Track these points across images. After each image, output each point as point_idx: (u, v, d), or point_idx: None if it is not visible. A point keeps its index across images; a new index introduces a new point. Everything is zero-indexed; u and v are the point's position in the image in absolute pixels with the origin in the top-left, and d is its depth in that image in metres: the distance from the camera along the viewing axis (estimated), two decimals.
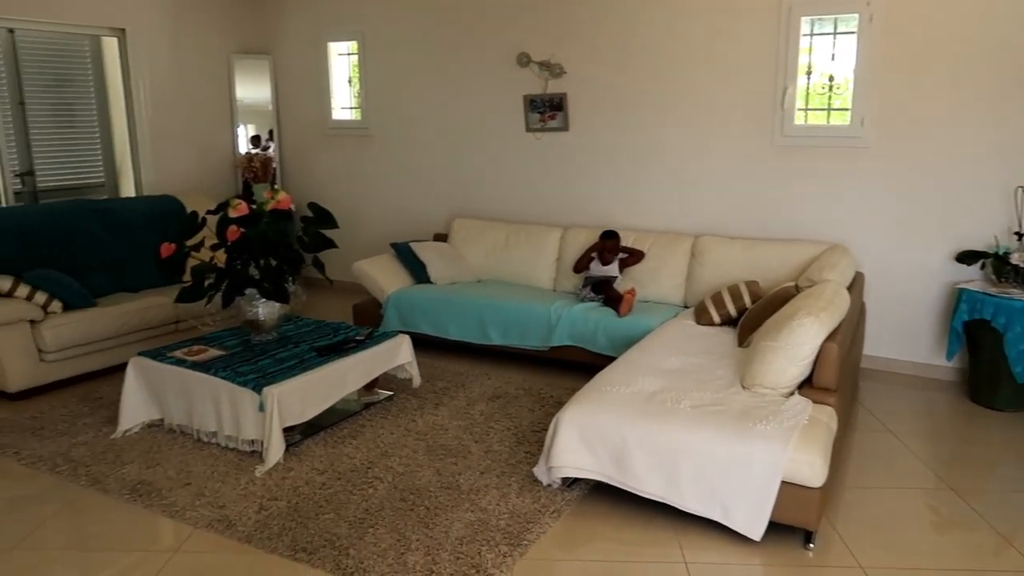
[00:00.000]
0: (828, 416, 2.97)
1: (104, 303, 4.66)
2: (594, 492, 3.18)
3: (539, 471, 3.22)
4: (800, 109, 4.72)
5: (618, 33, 5.16)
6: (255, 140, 6.82)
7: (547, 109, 5.50)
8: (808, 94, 4.70)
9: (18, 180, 5.46)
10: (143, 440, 3.68)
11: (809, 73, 4.67)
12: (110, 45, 5.90)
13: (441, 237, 5.86)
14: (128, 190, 6.13)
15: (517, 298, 4.79)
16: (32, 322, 4.23)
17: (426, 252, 5.29)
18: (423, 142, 6.19)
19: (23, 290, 4.31)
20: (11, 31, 5.32)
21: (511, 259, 5.34)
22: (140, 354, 3.79)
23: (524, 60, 5.50)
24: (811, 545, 2.81)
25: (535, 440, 3.66)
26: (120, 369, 4.66)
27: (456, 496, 3.13)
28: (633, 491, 2.94)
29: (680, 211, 5.17)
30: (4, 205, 5.29)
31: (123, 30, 5.84)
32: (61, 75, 5.68)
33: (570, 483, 3.22)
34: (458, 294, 4.91)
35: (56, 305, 4.38)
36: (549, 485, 3.20)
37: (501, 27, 5.60)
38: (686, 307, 4.71)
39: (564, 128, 5.48)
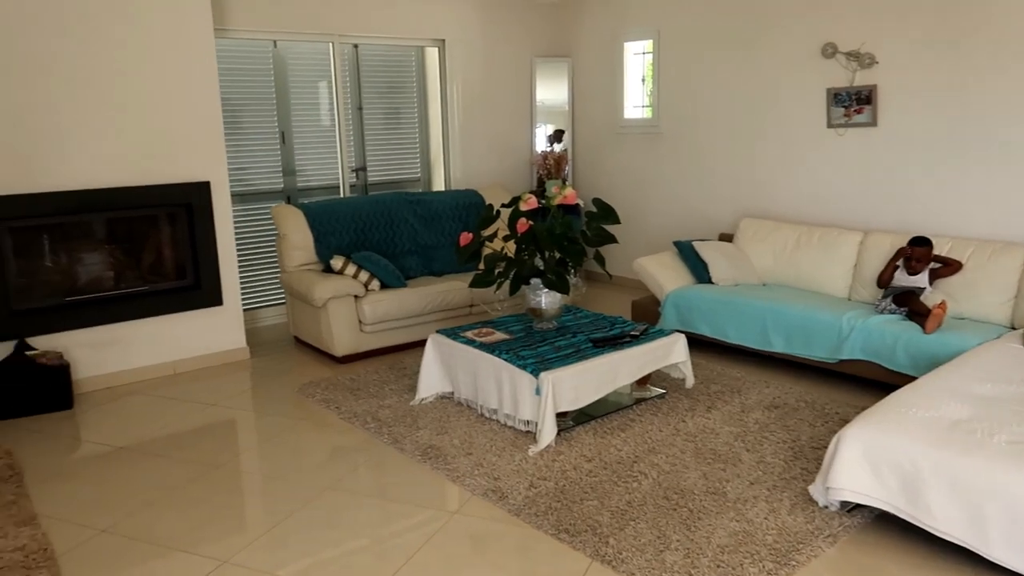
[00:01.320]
0: None
1: (413, 284, 5.24)
2: (878, 522, 2.89)
3: (815, 490, 3.00)
4: None
5: (945, 14, 4.58)
6: (559, 135, 7.18)
7: (853, 103, 5.07)
8: None
9: (353, 175, 6.34)
10: (435, 409, 4.09)
11: None
12: (432, 55, 6.59)
13: (726, 237, 5.69)
14: (439, 184, 6.81)
15: (805, 304, 4.49)
16: (356, 297, 4.89)
17: (709, 251, 5.18)
18: (714, 139, 6.05)
19: (351, 269, 5.01)
20: (356, 46, 6.18)
21: (801, 263, 5.02)
22: (438, 332, 4.20)
23: (829, 51, 5.12)
24: None
25: (813, 457, 3.42)
26: (421, 344, 5.21)
27: (721, 503, 3.04)
28: (925, 528, 2.62)
29: (1009, 217, 4.46)
30: (342, 196, 6.18)
31: (443, 40, 6.48)
32: (391, 83, 6.47)
33: (850, 508, 2.96)
34: (740, 296, 4.73)
35: (375, 283, 5.02)
36: (825, 507, 2.97)
37: (804, 17, 5.27)
38: (1013, 328, 4.06)
39: (871, 123, 5.00)
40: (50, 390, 4.17)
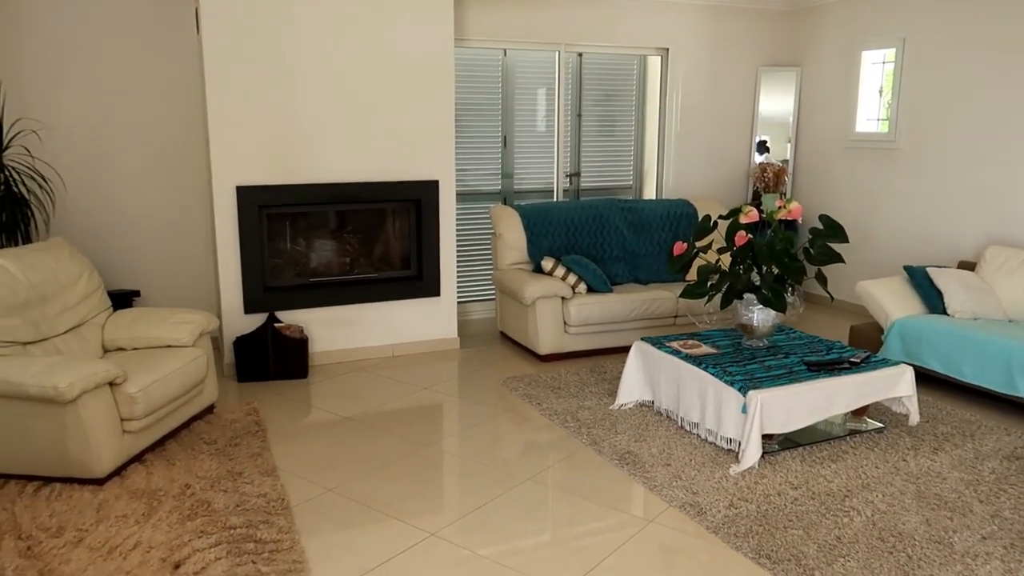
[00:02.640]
0: None
1: (619, 290, 5.27)
2: None
3: None
4: None
5: None
6: (762, 145, 6.91)
7: None
8: None
9: (567, 179, 6.49)
10: (634, 415, 4.09)
11: None
12: (653, 63, 6.59)
13: (967, 265, 5.16)
14: (650, 192, 6.79)
15: None
16: (563, 298, 5.01)
17: (945, 280, 4.73)
18: (959, 157, 5.51)
19: (560, 271, 5.14)
20: (580, 55, 6.33)
21: None
22: (643, 339, 4.20)
23: None
24: None
25: None
26: (622, 350, 5.25)
27: (947, 554, 2.78)
28: None
29: None
30: (555, 200, 6.35)
31: (667, 49, 6.46)
32: (610, 91, 6.55)
33: None
34: (981, 331, 4.28)
35: (582, 287, 5.11)
36: None
37: None
38: None
39: None
40: (291, 359, 4.69)
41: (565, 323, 5.03)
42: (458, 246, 6.01)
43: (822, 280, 4.01)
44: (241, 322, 4.78)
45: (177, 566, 2.68)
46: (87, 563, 2.70)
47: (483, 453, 3.68)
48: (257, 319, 4.82)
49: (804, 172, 6.89)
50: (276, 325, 4.72)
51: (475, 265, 6.25)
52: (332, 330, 5.03)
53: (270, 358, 4.66)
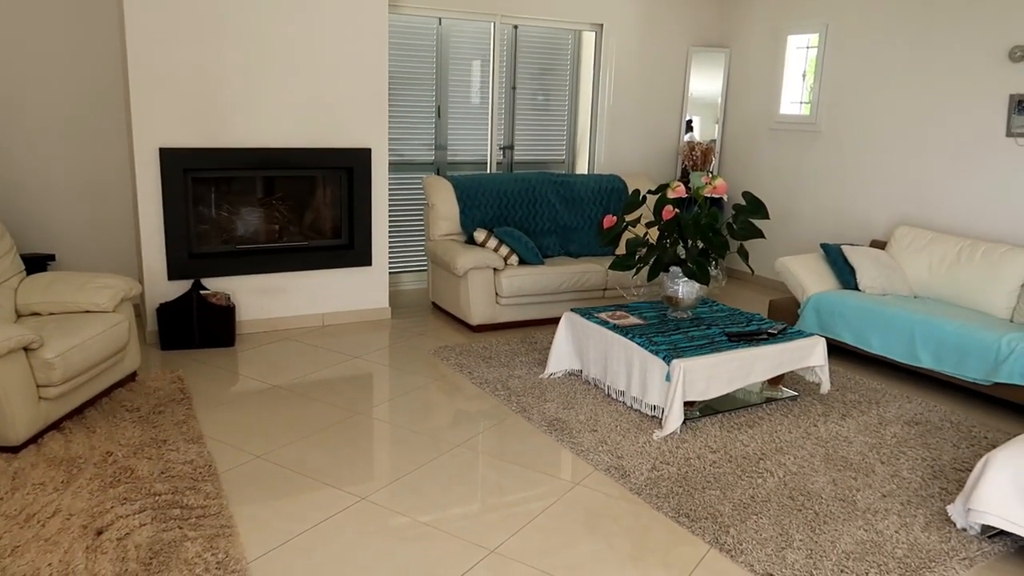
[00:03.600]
0: None
1: (550, 263, 5.35)
2: (1021, 552, 2.74)
3: (954, 511, 2.87)
4: None
5: None
6: (688, 125, 7.09)
7: None
8: None
9: (501, 152, 6.51)
10: (563, 384, 4.19)
11: None
12: (588, 39, 6.64)
13: (879, 244, 5.44)
14: (582, 167, 6.88)
15: (962, 321, 4.25)
16: (495, 270, 5.06)
17: (858, 257, 4.97)
18: (875, 142, 5.78)
19: (492, 242, 5.17)
20: (515, 27, 6.32)
21: (959, 278, 4.73)
22: (572, 310, 4.29)
23: (1019, 54, 4.76)
24: None
25: (955, 479, 3.26)
26: (552, 321, 5.34)
27: (850, 510, 2.97)
28: None
29: None
30: (488, 172, 6.36)
31: (601, 25, 6.51)
32: (545, 65, 6.57)
33: (992, 534, 2.81)
34: (889, 306, 4.53)
35: (514, 259, 5.16)
36: (964, 529, 2.84)
37: (993, 17, 4.91)
38: None
39: None
40: (217, 327, 4.59)
41: (497, 294, 5.08)
42: (390, 216, 5.97)
43: (744, 254, 4.16)
44: (165, 288, 4.65)
45: (99, 532, 2.63)
46: (2, 531, 2.62)
47: (414, 421, 3.71)
48: (182, 286, 4.70)
49: (731, 151, 7.10)
50: (202, 292, 4.61)
51: (407, 235, 6.23)
52: (260, 298, 4.95)
53: (195, 326, 4.56)
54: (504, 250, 5.16)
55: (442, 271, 5.33)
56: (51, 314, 3.76)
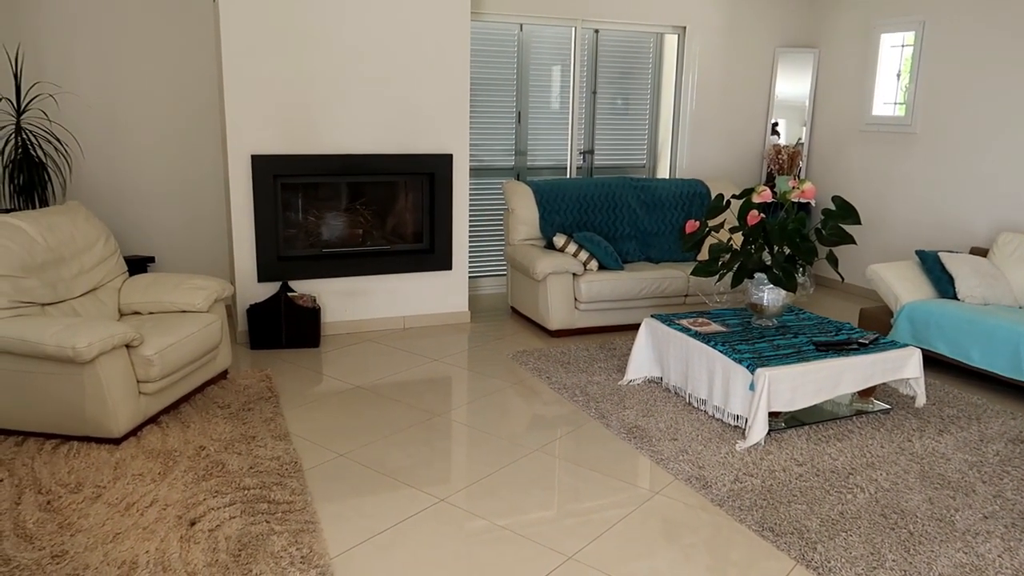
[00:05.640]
0: None
1: (630, 268, 5.29)
2: None
3: None
4: None
5: None
6: (773, 128, 6.90)
7: None
8: None
9: (581, 157, 6.49)
10: (642, 391, 4.13)
11: None
12: (670, 41, 6.55)
13: (979, 251, 5.16)
14: (663, 171, 6.79)
15: None
16: (574, 275, 5.04)
17: (957, 265, 4.73)
18: (977, 143, 5.49)
19: (571, 247, 5.16)
20: (596, 31, 6.30)
21: None
22: (653, 316, 4.23)
23: None
24: None
25: None
26: (631, 327, 5.28)
27: (948, 531, 2.82)
28: None
29: None
30: (568, 177, 6.36)
31: (684, 27, 6.42)
32: (626, 69, 6.52)
33: None
34: (991, 316, 4.28)
35: (593, 264, 5.13)
36: None
37: None
38: None
39: None
40: (304, 328, 4.74)
41: (576, 299, 5.06)
42: (470, 221, 6.03)
43: (833, 261, 4.02)
44: (255, 290, 4.83)
45: (193, 523, 2.74)
46: (105, 518, 2.76)
47: (492, 424, 3.73)
48: (270, 288, 4.87)
49: (819, 155, 6.87)
50: (289, 294, 4.77)
51: (487, 240, 6.28)
52: (344, 301, 5.08)
53: (283, 326, 4.72)
54: (583, 255, 5.13)
55: (521, 276, 5.35)
56: (150, 313, 3.96)
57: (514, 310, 5.69)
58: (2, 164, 4.72)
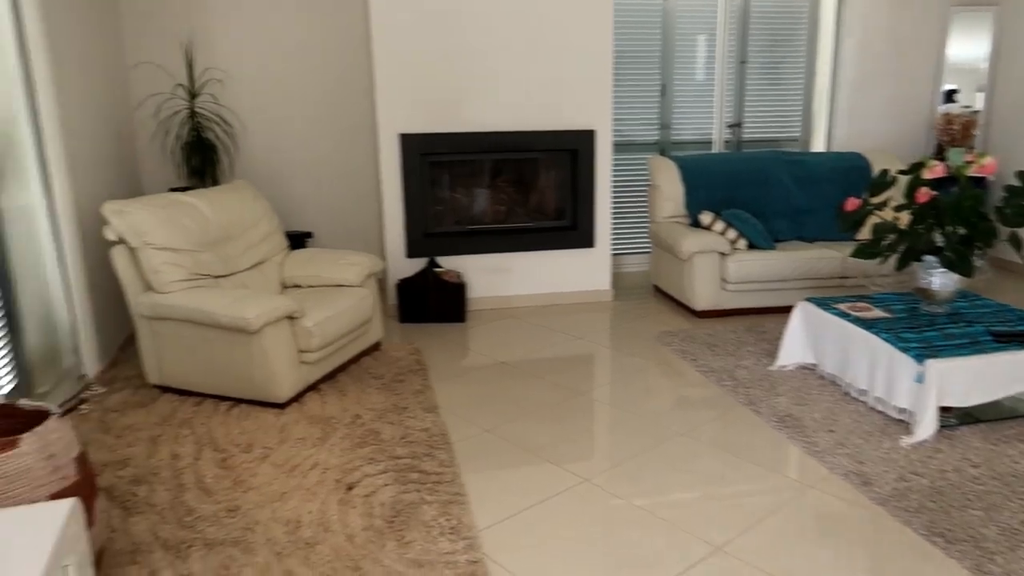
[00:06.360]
0: None
1: (781, 247, 5.04)
2: None
3: None
4: None
5: None
6: (949, 95, 6.31)
7: None
8: None
9: (728, 130, 6.24)
10: (795, 378, 3.94)
11: None
12: (827, 4, 6.13)
13: None
14: (818, 145, 6.40)
15: None
16: (721, 254, 4.87)
17: None
18: None
19: (719, 226, 4.98)
20: None
21: None
22: (808, 300, 4.01)
23: None
24: None
25: None
26: (782, 310, 5.04)
27: None
28: None
29: None
30: (715, 152, 6.13)
31: None
32: (778, 37, 6.17)
33: None
34: None
35: (742, 243, 4.93)
36: None
37: None
38: None
39: None
40: (450, 304, 4.86)
41: (723, 279, 4.89)
42: (613, 197, 5.95)
43: (1016, 243, 3.65)
44: (404, 265, 5.00)
45: (350, 488, 2.89)
46: (272, 478, 2.96)
47: (635, 404, 3.68)
48: (418, 263, 5.02)
49: (1000, 125, 6.25)
50: (436, 270, 4.89)
51: (630, 217, 6.18)
52: (488, 277, 5.16)
53: (430, 301, 4.86)
54: (731, 233, 4.94)
55: (665, 254, 5.23)
56: (309, 287, 4.18)
57: (657, 289, 5.58)
58: (179, 146, 5.11)
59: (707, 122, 6.18)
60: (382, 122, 4.78)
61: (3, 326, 3.30)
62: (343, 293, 3.98)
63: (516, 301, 5.24)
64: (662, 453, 3.22)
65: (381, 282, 5.39)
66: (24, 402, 2.32)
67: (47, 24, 3.62)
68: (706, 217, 5.03)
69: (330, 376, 3.96)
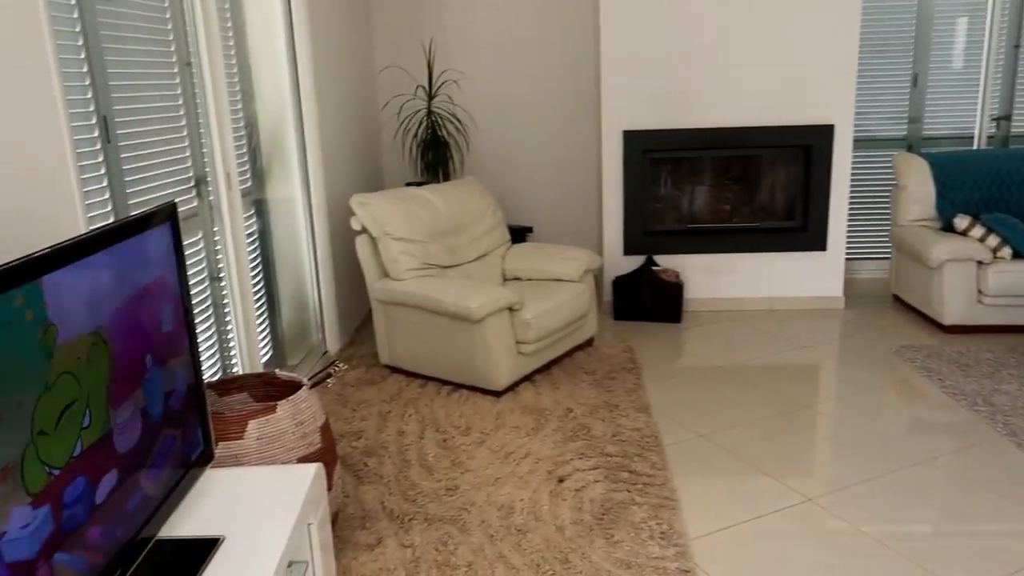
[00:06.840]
0: None
1: None
2: None
3: None
4: None
5: None
6: None
7: None
8: None
9: (994, 124, 5.52)
10: None
11: None
12: None
13: None
14: None
15: None
16: (978, 263, 4.32)
17: None
18: None
19: (977, 231, 4.42)
20: None
21: None
22: None
23: None
24: None
25: None
26: None
27: None
28: None
29: None
30: (975, 148, 5.45)
31: None
32: None
33: None
34: None
35: (1006, 251, 4.34)
36: None
37: None
38: None
39: None
40: (666, 303, 4.76)
41: (979, 291, 4.33)
42: (850, 197, 5.50)
43: None
44: (620, 262, 4.98)
45: (561, 480, 2.92)
46: (488, 462, 3.08)
47: (865, 424, 3.38)
48: (635, 261, 4.97)
49: None
50: (653, 268, 4.82)
51: (867, 219, 5.68)
52: (707, 277, 4.99)
53: (646, 300, 4.80)
54: (993, 240, 4.36)
55: (909, 261, 4.74)
56: (529, 280, 4.29)
57: (897, 299, 5.08)
58: (416, 143, 5.47)
59: (967, 115, 5.51)
60: (606, 119, 4.79)
61: (265, 303, 3.73)
62: (561, 287, 4.04)
63: (736, 304, 5.02)
64: (896, 481, 2.92)
65: (597, 279, 5.41)
66: (280, 372, 2.60)
67: (313, 45, 4.03)
68: (962, 221, 4.49)
69: (544, 368, 4.04)
